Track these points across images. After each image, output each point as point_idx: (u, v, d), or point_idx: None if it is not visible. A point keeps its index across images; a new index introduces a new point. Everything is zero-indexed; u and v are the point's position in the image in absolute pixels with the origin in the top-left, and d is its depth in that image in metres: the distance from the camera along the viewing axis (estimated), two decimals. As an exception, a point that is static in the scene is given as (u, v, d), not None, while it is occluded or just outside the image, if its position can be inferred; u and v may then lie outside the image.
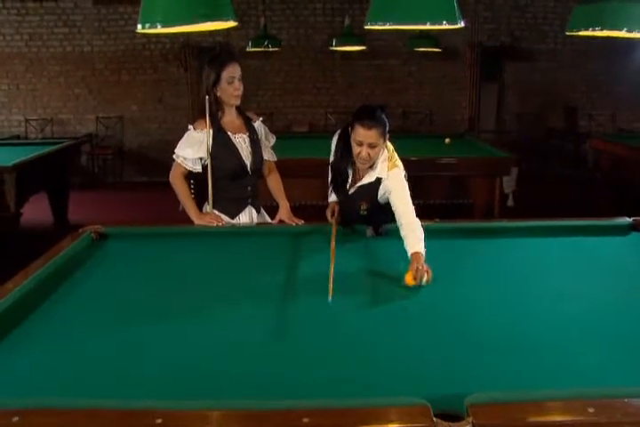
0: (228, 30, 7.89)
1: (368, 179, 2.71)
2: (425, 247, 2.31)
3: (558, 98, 9.05)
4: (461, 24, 2.69)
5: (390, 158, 2.69)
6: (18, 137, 8.62)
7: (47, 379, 1.56)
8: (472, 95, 8.83)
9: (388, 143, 2.72)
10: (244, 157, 2.98)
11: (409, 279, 2.12)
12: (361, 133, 2.55)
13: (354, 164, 2.73)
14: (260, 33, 7.29)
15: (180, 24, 2.33)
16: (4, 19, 8.57)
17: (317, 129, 8.84)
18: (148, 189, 8.14)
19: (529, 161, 7.72)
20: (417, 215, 2.56)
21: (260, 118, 3.15)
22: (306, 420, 1.25)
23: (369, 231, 2.73)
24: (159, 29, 2.29)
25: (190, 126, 2.97)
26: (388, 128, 2.61)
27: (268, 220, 3.17)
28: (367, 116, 2.56)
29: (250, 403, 1.34)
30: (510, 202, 4.88)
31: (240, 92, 2.91)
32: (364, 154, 2.59)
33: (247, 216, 3.07)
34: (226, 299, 2.10)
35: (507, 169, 4.90)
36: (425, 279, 2.16)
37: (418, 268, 2.18)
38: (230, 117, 2.99)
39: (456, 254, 2.55)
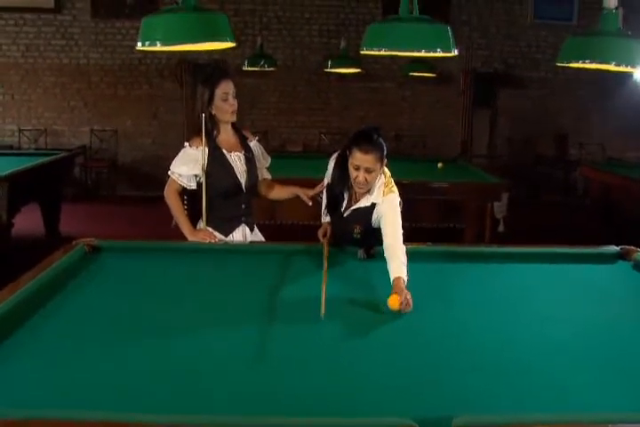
0: (226, 49, 7.97)
1: (364, 203, 2.72)
2: (407, 273, 2.29)
3: (549, 125, 9.17)
4: (455, 52, 2.76)
5: (387, 184, 2.71)
6: (11, 147, 8.60)
7: (34, 393, 1.55)
8: (465, 120, 8.93)
9: (386, 169, 2.74)
10: (238, 176, 3.00)
11: (392, 304, 2.11)
12: (359, 158, 2.57)
13: (350, 187, 2.75)
14: (256, 52, 7.37)
15: (180, 43, 2.39)
16: (2, 29, 8.60)
17: (311, 149, 8.89)
18: (141, 204, 8.14)
19: (519, 186, 7.79)
20: (408, 238, 2.58)
21: (256, 138, 3.19)
22: (292, 439, 1.26)
23: (360, 253, 2.75)
24: (159, 47, 2.34)
25: (186, 143, 2.99)
26: (385, 152, 2.63)
27: (261, 238, 3.18)
28: (365, 141, 2.58)
29: (236, 419, 1.35)
30: (501, 227, 4.92)
31: (235, 108, 2.94)
32: (361, 178, 2.61)
33: (240, 234, 3.08)
34: (215, 316, 2.11)
35: (498, 194, 4.96)
36: (404, 305, 2.12)
37: (398, 293, 2.15)
38: (226, 135, 3.02)
39: (446, 278, 2.57)
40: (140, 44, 2.32)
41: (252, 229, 3.14)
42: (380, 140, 2.61)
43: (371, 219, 2.73)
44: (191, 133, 3.04)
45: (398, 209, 2.66)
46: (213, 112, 2.92)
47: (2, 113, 8.86)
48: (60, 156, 6.26)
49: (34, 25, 8.64)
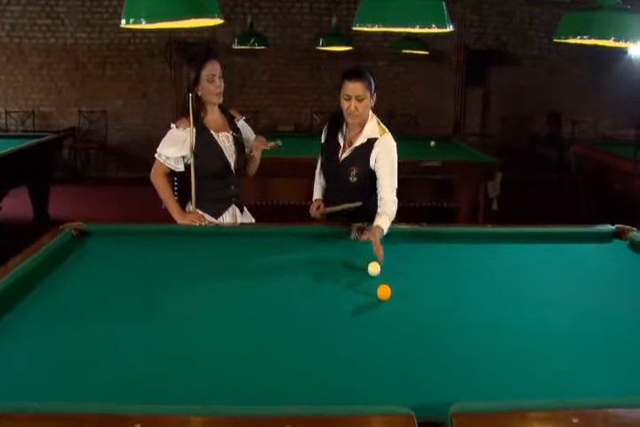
0: (214, 27, 7.84)
1: (360, 141, 2.89)
2: (389, 225, 2.60)
3: (542, 103, 9.11)
4: (450, 28, 2.69)
5: (379, 124, 2.90)
6: (-2, 129, 8.51)
7: (24, 382, 1.52)
8: (457, 98, 8.86)
9: (375, 116, 2.93)
10: (227, 156, 2.95)
11: (382, 293, 2.06)
12: (349, 88, 2.78)
13: (344, 133, 2.96)
14: (246, 31, 7.26)
15: (165, 20, 2.31)
16: (-15, 8, 8.45)
17: (303, 129, 8.81)
18: (131, 185, 8.01)
19: (512, 165, 7.76)
20: (401, 218, 2.76)
21: (243, 117, 3.14)
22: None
23: (354, 233, 2.71)
24: (143, 25, 2.26)
25: (173, 125, 2.94)
26: (374, 84, 2.84)
27: (252, 220, 3.15)
28: (353, 72, 2.82)
29: (231, 409, 1.32)
30: (495, 207, 4.90)
31: (221, 90, 2.90)
32: (352, 108, 2.79)
33: (231, 216, 3.04)
34: (207, 301, 2.08)
35: (492, 173, 4.92)
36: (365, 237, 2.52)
37: (370, 239, 2.43)
38: (213, 116, 2.97)
39: (439, 259, 2.54)
40: (123, 21, 2.23)
41: (241, 210, 3.10)
42: (367, 73, 2.85)
43: (368, 160, 2.86)
44: (178, 115, 2.98)
45: (395, 157, 2.85)
46: (199, 93, 2.87)
47: (-12, 94, 8.74)
48: (48, 138, 6.18)
49: (18, 4, 8.47)
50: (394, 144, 2.87)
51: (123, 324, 1.88)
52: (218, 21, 2.36)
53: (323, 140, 3.09)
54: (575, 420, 1.25)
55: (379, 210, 2.66)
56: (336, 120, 3.00)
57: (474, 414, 1.27)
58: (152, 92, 8.84)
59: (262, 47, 7.26)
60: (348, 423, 1.27)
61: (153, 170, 2.96)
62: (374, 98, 2.87)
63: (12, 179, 5.35)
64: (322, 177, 3.14)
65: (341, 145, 2.96)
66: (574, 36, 2.33)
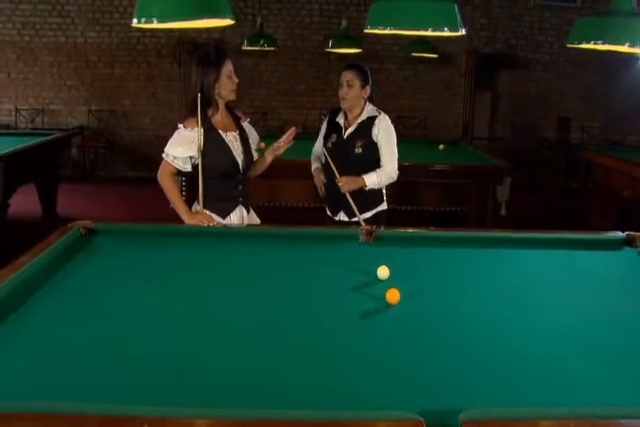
0: (224, 28, 7.85)
1: (362, 118, 3.42)
2: (372, 185, 3.37)
3: (551, 108, 9.08)
4: (462, 31, 2.68)
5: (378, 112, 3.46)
6: (8, 127, 8.53)
7: (28, 381, 1.52)
8: (466, 102, 8.84)
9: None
10: (235, 156, 2.95)
11: (391, 297, 2.05)
12: (343, 75, 3.40)
13: (345, 118, 3.51)
14: (256, 32, 7.25)
15: (177, 20, 2.30)
16: (-3, 6, 8.48)
17: (311, 130, 8.79)
18: (139, 184, 8.04)
19: (520, 170, 7.73)
20: (409, 222, 3.09)
21: (248, 119, 3.16)
22: (295, 431, 1.22)
23: (362, 236, 2.70)
24: (155, 24, 2.26)
25: (180, 125, 2.94)
26: (368, 77, 3.40)
27: (257, 221, 3.15)
28: (349, 64, 3.51)
29: (237, 412, 1.30)
30: (503, 211, 4.87)
31: (236, 87, 2.94)
32: (342, 92, 3.38)
33: (238, 216, 3.04)
34: (213, 302, 2.07)
35: (501, 178, 4.89)
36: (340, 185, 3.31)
37: (345, 180, 3.32)
38: (220, 115, 2.99)
39: (448, 263, 2.52)
40: (135, 20, 2.23)
41: (248, 211, 3.10)
42: (363, 67, 3.43)
43: (371, 133, 3.38)
44: (185, 115, 2.99)
45: (393, 131, 3.43)
46: (217, 90, 2.89)
47: (-1, 92, 8.77)
48: (57, 136, 6.20)
49: (29, 2, 8.51)
50: (390, 122, 3.45)
51: (129, 323, 1.87)
52: (229, 22, 2.35)
53: (324, 126, 3.61)
54: (586, 429, 1.23)
55: (376, 172, 3.36)
56: (336, 111, 3.57)
57: (484, 421, 1.26)
58: (161, 92, 8.86)
59: (272, 48, 7.26)
60: (356, 429, 1.26)
61: (160, 170, 2.96)
62: (367, 89, 3.41)
63: (21, 176, 5.36)
64: (323, 157, 3.53)
65: (343, 126, 3.49)
66: (588, 42, 2.31)
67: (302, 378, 1.56)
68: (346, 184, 3.34)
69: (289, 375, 1.57)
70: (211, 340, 1.78)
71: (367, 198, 3.46)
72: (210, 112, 2.93)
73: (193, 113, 2.88)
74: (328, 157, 3.41)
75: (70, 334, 1.79)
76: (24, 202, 5.76)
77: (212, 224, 2.87)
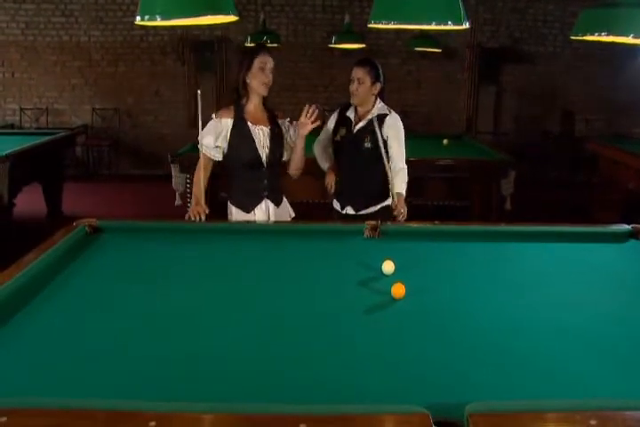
0: (228, 25, 7.84)
1: (371, 115, 3.38)
2: (405, 189, 3.24)
3: (555, 101, 9.04)
4: (466, 25, 2.67)
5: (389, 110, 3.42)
6: (12, 126, 8.54)
7: (36, 378, 1.53)
8: (470, 96, 8.81)
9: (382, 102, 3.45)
10: (259, 149, 3.00)
11: (396, 292, 2.05)
12: (354, 71, 3.36)
13: (354, 112, 3.49)
14: (259, 28, 7.24)
15: (180, 17, 2.30)
16: (0, 6, 8.47)
17: (316, 127, 8.77)
18: (144, 182, 8.07)
19: (525, 163, 7.71)
20: (414, 216, 3.14)
21: (287, 119, 3.21)
22: (302, 425, 1.22)
23: (367, 231, 2.70)
24: (158, 22, 2.25)
25: (213, 115, 3.04)
26: (380, 74, 3.37)
27: (291, 213, 3.22)
28: (361, 59, 3.45)
29: (246, 407, 1.31)
30: (508, 205, 4.86)
31: (269, 82, 3.00)
32: (353, 88, 3.36)
33: (263, 211, 3.07)
34: (218, 299, 2.07)
35: (505, 172, 4.88)
36: (401, 217, 3.06)
37: (397, 206, 3.09)
38: (254, 108, 3.06)
39: (454, 258, 2.52)
40: (138, 18, 2.23)
41: (277, 205, 3.13)
42: (374, 62, 3.40)
43: (381, 129, 3.30)
44: (220, 104, 3.08)
45: (402, 129, 3.40)
46: (248, 80, 2.97)
47: (2, 92, 8.78)
48: (61, 135, 6.21)
49: (33, 2, 8.51)
50: (400, 121, 3.42)
51: (135, 321, 1.88)
52: (232, 18, 2.35)
53: (332, 121, 3.60)
54: (593, 422, 1.23)
55: (395, 177, 3.23)
56: (347, 105, 3.54)
57: (491, 414, 1.26)
58: (164, 90, 8.85)
59: (275, 45, 7.23)
60: (363, 422, 1.26)
61: (197, 163, 3.04)
62: (377, 86, 3.37)
63: (26, 175, 5.37)
64: (331, 149, 3.57)
65: (353, 121, 3.47)
66: (592, 33, 2.29)
67: (309, 373, 1.56)
68: (402, 208, 3.14)
69: (295, 370, 1.58)
70: (218, 335, 1.79)
71: (373, 193, 3.45)
72: (244, 101, 3.02)
73: (227, 104, 3.03)
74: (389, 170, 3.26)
75: (76, 331, 1.80)
76: (29, 201, 5.77)
77: (201, 219, 2.87)
